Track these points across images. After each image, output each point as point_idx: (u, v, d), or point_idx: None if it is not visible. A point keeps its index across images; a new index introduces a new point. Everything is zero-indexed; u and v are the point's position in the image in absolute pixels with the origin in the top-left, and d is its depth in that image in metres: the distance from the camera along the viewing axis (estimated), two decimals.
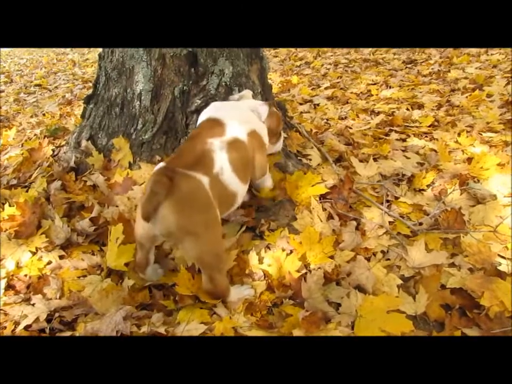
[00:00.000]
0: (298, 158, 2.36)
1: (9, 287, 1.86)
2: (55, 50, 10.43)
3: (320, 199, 2.10)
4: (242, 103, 2.00)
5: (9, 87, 6.07)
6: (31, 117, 4.33)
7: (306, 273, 1.72)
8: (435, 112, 3.30)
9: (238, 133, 1.79)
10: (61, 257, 1.97)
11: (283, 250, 1.82)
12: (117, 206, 2.10)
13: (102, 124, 2.40)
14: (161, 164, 1.61)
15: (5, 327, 1.66)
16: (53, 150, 2.60)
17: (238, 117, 1.86)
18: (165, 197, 1.43)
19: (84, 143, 2.41)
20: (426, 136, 2.90)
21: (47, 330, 1.64)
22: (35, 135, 3.25)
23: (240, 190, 1.77)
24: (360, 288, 1.67)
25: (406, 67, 4.90)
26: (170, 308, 1.70)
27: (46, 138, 2.96)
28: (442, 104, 3.52)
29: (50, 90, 5.58)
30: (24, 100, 5.26)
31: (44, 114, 4.31)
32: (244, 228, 1.96)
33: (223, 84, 2.21)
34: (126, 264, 1.83)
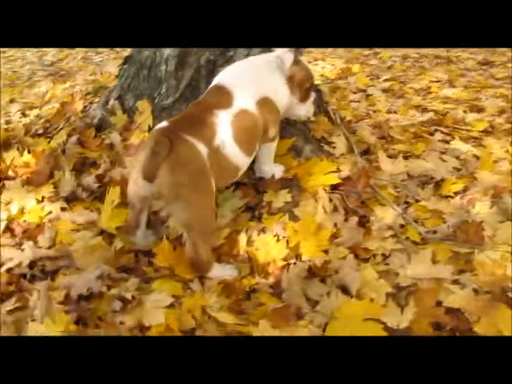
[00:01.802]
0: (321, 144, 2.23)
1: (8, 229, 1.90)
2: None
3: (332, 190, 1.98)
4: (260, 59, 1.91)
5: None
6: (90, 75, 4.45)
7: (289, 263, 1.63)
8: (493, 118, 3.02)
9: (245, 103, 1.73)
10: (62, 209, 1.99)
11: (274, 236, 1.72)
12: (125, 168, 2.09)
13: (131, 85, 2.39)
14: (164, 123, 1.60)
15: None
16: (85, 106, 2.64)
17: (248, 82, 1.79)
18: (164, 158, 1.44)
19: (111, 102, 2.42)
20: (474, 142, 2.65)
21: (28, 276, 1.67)
22: (80, 90, 3.32)
23: (244, 162, 1.75)
24: (345, 289, 1.55)
25: (481, 68, 4.54)
26: (150, 276, 1.67)
27: (87, 95, 3.01)
28: (506, 111, 3.22)
29: (117, 52, 5.71)
30: (92, 59, 5.43)
31: (101, 74, 4.40)
32: (243, 207, 1.89)
33: None
34: (118, 228, 1.82)
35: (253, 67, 1.86)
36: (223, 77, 1.84)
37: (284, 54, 1.85)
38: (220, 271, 1.64)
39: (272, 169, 1.96)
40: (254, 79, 1.82)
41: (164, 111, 2.22)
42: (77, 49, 5.94)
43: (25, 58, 5.51)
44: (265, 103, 1.80)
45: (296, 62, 1.87)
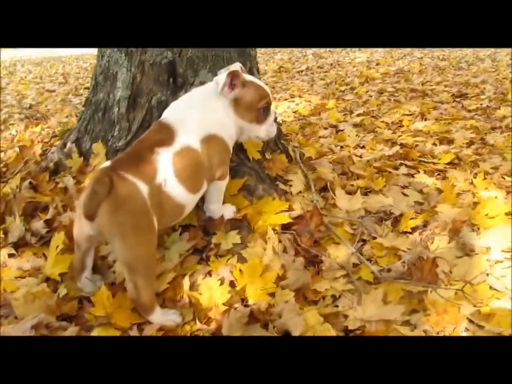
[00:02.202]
0: (276, 183, 2.19)
1: None
2: None
3: (285, 229, 1.93)
4: (201, 89, 1.87)
5: (62, 88, 6.36)
6: (66, 117, 4.46)
7: (232, 308, 1.56)
8: (461, 150, 3.00)
9: (189, 140, 1.69)
10: (10, 255, 1.93)
11: (218, 280, 1.66)
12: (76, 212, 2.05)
13: (88, 127, 2.37)
14: (107, 163, 1.58)
15: None
16: (45, 150, 2.62)
17: (191, 117, 1.74)
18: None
19: (68, 145, 2.40)
20: (439, 174, 2.62)
21: None
22: (47, 134, 3.31)
23: (190, 200, 1.71)
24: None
25: (454, 101, 4.57)
26: (91, 323, 1.60)
27: (52, 138, 3.00)
28: (474, 142, 3.21)
29: None
30: (70, 101, 5.46)
31: (76, 116, 4.42)
32: (190, 250, 1.83)
33: None
34: (61, 274, 1.77)
35: (195, 99, 1.82)
36: (168, 112, 1.82)
37: (218, 76, 1.77)
38: (163, 316, 1.57)
39: (221, 209, 1.92)
40: (198, 113, 1.76)
41: (117, 153, 2.18)
42: (57, 91, 6.00)
43: (5, 102, 5.54)
44: (210, 140, 1.75)
45: (243, 82, 1.77)
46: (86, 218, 1.47)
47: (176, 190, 1.62)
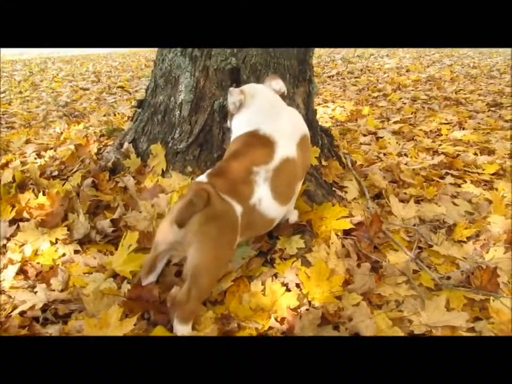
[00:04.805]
0: (333, 189, 2.24)
1: (22, 272, 1.91)
2: (146, 57, 10.94)
3: (345, 235, 1.98)
4: (275, 97, 1.85)
5: (95, 86, 6.46)
6: (104, 115, 4.54)
7: (303, 309, 1.61)
8: (504, 161, 3.02)
9: (287, 151, 1.71)
10: (76, 252, 1.99)
11: (282, 285, 1.71)
12: (140, 212, 2.11)
13: (145, 129, 2.44)
14: (202, 178, 1.61)
15: (5, 309, 1.70)
16: (99, 149, 2.69)
17: (288, 125, 1.77)
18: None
19: (125, 145, 2.46)
20: (485, 185, 2.65)
21: (40, 320, 1.66)
22: (94, 132, 3.38)
23: (281, 212, 1.75)
24: None
25: (489, 110, 4.58)
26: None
27: (101, 137, 3.07)
28: None
29: (130, 93, 5.83)
30: (105, 99, 5.55)
31: (115, 115, 4.50)
32: (255, 252, 1.88)
33: None
34: (132, 272, 1.82)
35: (277, 106, 1.82)
36: (259, 122, 1.76)
37: (277, 84, 1.87)
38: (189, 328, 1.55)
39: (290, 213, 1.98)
40: (289, 117, 1.82)
41: (177, 155, 2.26)
42: (91, 89, 6.10)
43: (40, 99, 5.64)
44: (303, 141, 1.81)
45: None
46: (176, 224, 1.48)
47: (270, 206, 1.65)
